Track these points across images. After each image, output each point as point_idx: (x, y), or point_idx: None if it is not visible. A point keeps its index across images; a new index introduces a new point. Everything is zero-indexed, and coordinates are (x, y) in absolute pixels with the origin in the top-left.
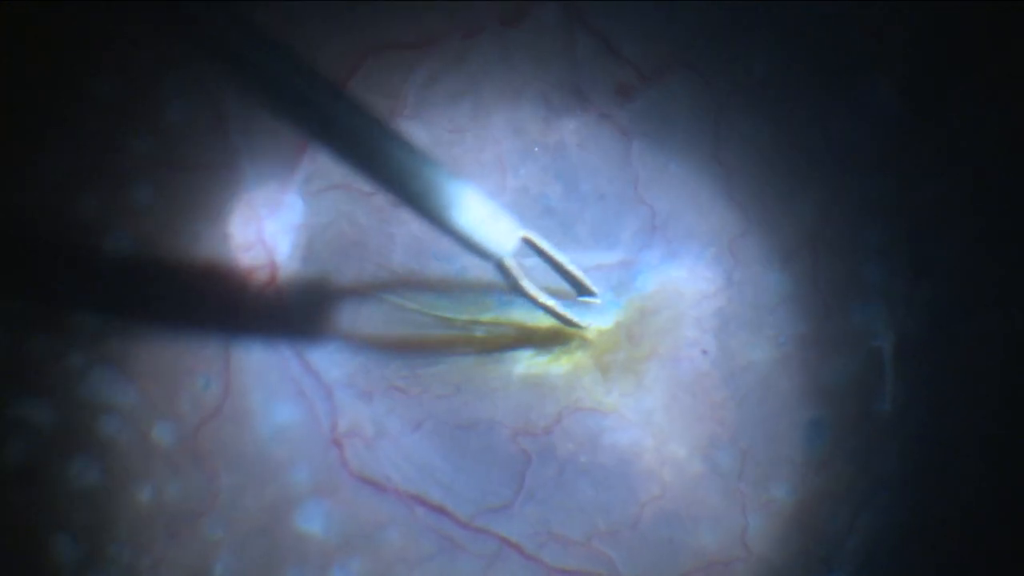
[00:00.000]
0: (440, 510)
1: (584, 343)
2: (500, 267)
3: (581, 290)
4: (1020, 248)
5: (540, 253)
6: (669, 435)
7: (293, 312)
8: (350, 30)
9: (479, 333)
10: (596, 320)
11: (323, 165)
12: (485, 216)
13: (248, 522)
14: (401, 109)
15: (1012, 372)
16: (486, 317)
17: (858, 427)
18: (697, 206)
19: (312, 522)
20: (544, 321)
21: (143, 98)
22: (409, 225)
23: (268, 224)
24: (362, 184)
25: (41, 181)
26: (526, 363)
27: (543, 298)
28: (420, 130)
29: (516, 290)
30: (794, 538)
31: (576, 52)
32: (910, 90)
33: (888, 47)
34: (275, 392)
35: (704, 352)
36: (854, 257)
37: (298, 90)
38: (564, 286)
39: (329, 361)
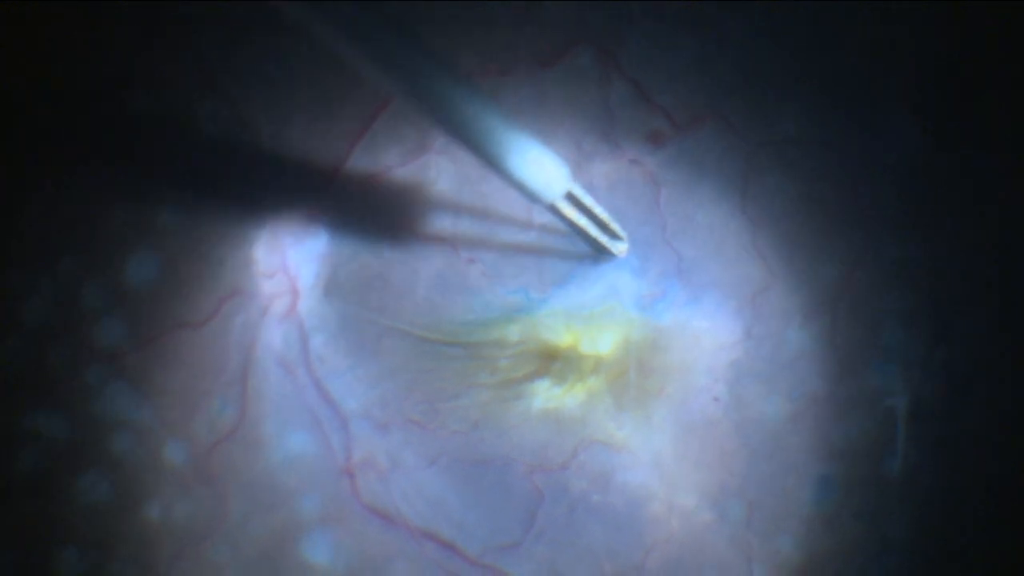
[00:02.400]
0: (449, 546)
1: (599, 364)
2: (552, 208)
3: (611, 235)
4: None
5: (579, 205)
6: (678, 479)
7: (313, 341)
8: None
9: (504, 362)
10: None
11: (349, 197)
12: (541, 161)
13: (254, 547)
14: (431, 143)
15: (1022, 438)
16: (513, 337)
17: (867, 487)
18: (722, 257)
19: (318, 551)
20: (566, 339)
21: (179, 115)
22: (433, 260)
23: (292, 252)
24: (385, 218)
25: (72, 194)
26: (544, 396)
27: (587, 225)
28: (449, 165)
29: (565, 222)
30: None
31: (610, 97)
32: (936, 158)
33: (919, 110)
34: (290, 419)
35: (716, 399)
36: (874, 319)
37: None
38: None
39: (347, 392)
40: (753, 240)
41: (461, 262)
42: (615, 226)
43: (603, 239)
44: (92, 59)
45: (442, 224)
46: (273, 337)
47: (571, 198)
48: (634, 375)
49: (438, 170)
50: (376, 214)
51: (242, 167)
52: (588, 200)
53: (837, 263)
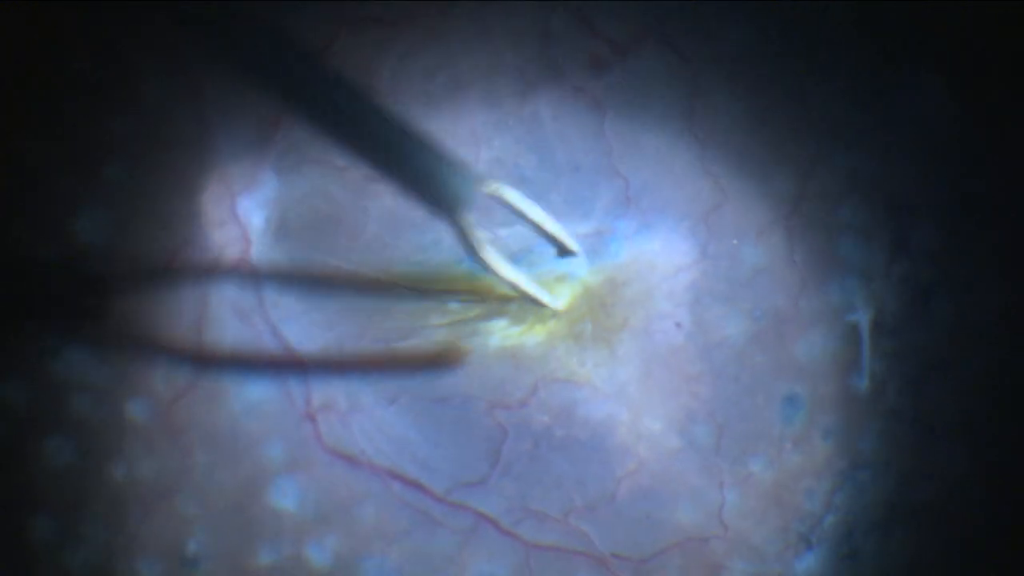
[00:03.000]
0: (416, 485)
1: (557, 312)
2: (457, 227)
3: (560, 249)
4: (999, 227)
5: (511, 209)
6: (644, 408)
7: (266, 287)
8: (326, 4)
9: (454, 304)
10: (565, 292)
11: (297, 140)
12: (440, 165)
13: (222, 498)
14: (377, 84)
15: (989, 349)
16: (462, 286)
17: (835, 403)
18: (672, 179)
19: (286, 498)
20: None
21: (120, 76)
22: (383, 199)
23: (241, 200)
24: (336, 159)
25: (17, 159)
26: (500, 335)
27: (507, 271)
28: (395, 105)
29: (475, 259)
30: (772, 514)
31: (551, 25)
32: (893, 60)
33: (868, 14)
34: (249, 368)
35: (678, 325)
36: (830, 232)
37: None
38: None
39: (303, 336)
40: (702, 159)
41: (410, 201)
42: (567, 238)
43: (535, 289)
44: (35, 21)
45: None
46: (227, 286)
47: (498, 202)
48: (595, 317)
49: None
50: (325, 155)
51: (188, 117)
52: (524, 202)
53: (789, 176)
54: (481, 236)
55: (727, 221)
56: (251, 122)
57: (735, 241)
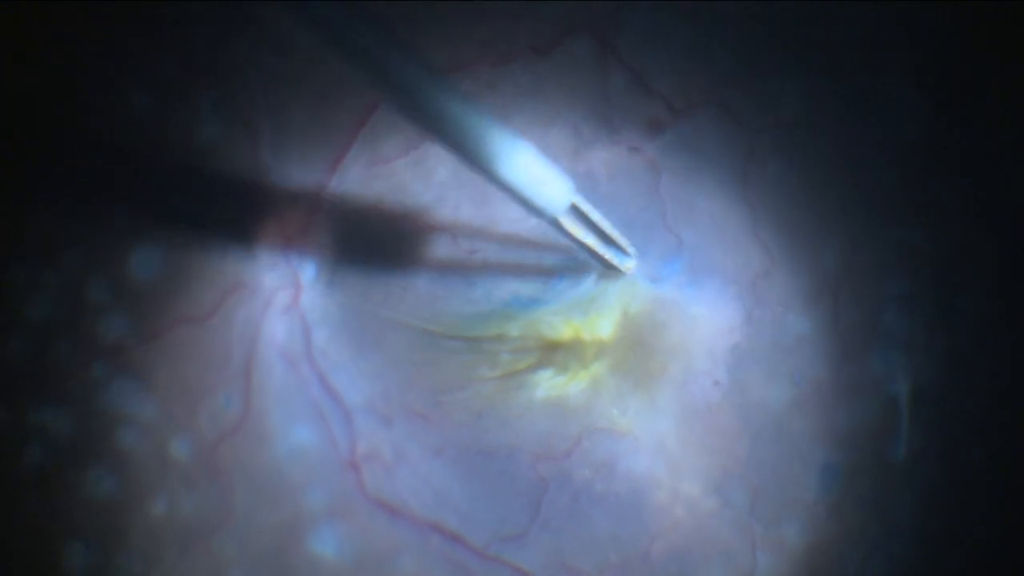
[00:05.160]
0: (455, 538)
1: (601, 350)
2: (554, 223)
3: (621, 254)
4: None
5: (585, 218)
6: (682, 465)
7: (316, 334)
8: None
9: (505, 355)
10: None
11: (352, 186)
12: (542, 175)
13: (261, 541)
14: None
15: None
16: (513, 331)
17: (871, 473)
18: (723, 242)
19: (325, 544)
20: (567, 331)
21: (179, 111)
22: (435, 249)
23: (295, 244)
24: (386, 207)
25: (74, 189)
26: (546, 385)
27: (591, 241)
28: (448, 154)
29: (570, 239)
30: None
31: (608, 85)
32: (940, 141)
33: (922, 91)
34: (294, 413)
35: (716, 383)
36: (875, 303)
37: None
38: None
39: (350, 385)
40: (753, 225)
41: (462, 253)
42: (623, 241)
43: (610, 255)
44: (91, 55)
45: (442, 214)
46: (276, 331)
47: (576, 212)
48: (636, 353)
49: (437, 159)
50: (377, 204)
51: (243, 160)
52: (595, 214)
53: (838, 248)
54: (573, 226)
55: (775, 289)
56: (306, 167)
57: (781, 308)
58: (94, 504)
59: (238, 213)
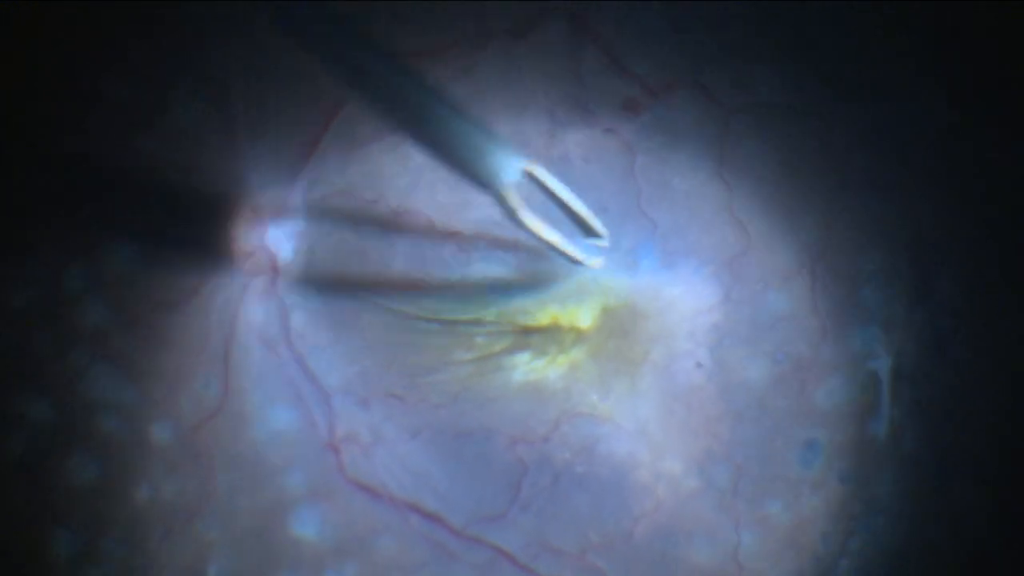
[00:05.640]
0: (434, 518)
1: (580, 338)
2: (499, 198)
3: (588, 232)
4: (1018, 274)
5: (544, 189)
6: (664, 447)
7: (293, 318)
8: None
9: (480, 339)
10: (586, 314)
11: (327, 172)
12: (486, 144)
13: (243, 524)
14: None
15: (1008, 398)
16: (489, 316)
17: (853, 448)
18: (699, 222)
19: (306, 526)
20: (543, 318)
21: (153, 100)
22: (411, 233)
23: (270, 229)
24: (364, 191)
25: (47, 176)
26: (524, 368)
27: (545, 232)
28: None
29: (515, 221)
30: (787, 557)
31: (583, 66)
32: (915, 117)
33: (900, 65)
34: (273, 396)
35: (699, 365)
36: (853, 280)
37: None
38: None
39: (328, 367)
40: (729, 204)
41: (438, 234)
42: (594, 222)
43: (574, 248)
44: (66, 46)
45: (418, 197)
46: (254, 314)
47: (533, 182)
48: (617, 343)
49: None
50: (353, 188)
51: (218, 144)
52: (556, 185)
53: (814, 224)
54: (519, 202)
55: (752, 267)
56: (281, 152)
57: (759, 286)
58: (77, 491)
59: (214, 198)
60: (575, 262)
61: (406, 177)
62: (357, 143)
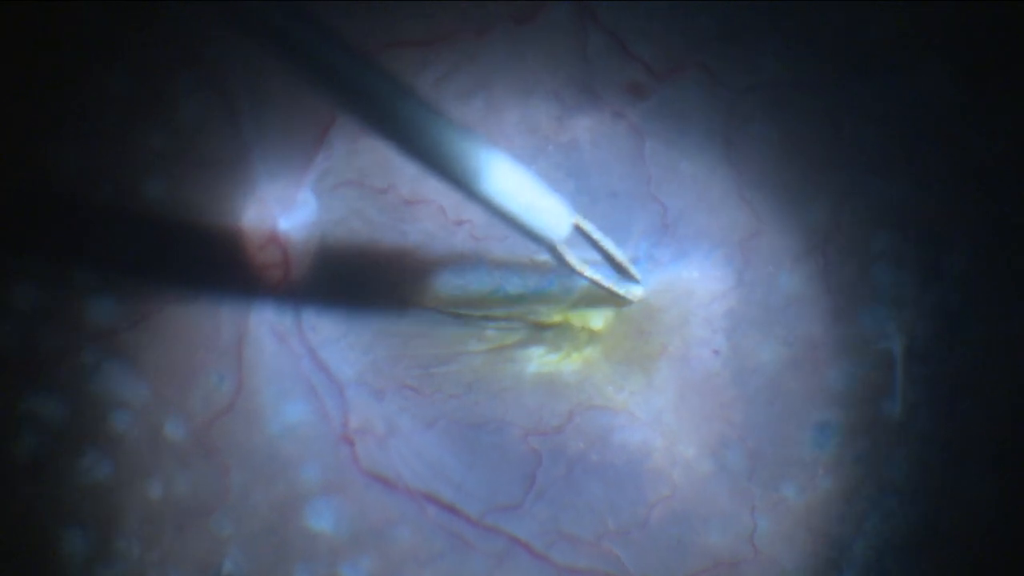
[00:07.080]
0: (451, 508)
1: (594, 338)
2: (553, 252)
3: (625, 276)
4: None
5: (590, 240)
6: (679, 435)
7: (305, 310)
8: (361, 26)
9: (491, 331)
10: (600, 317)
11: (336, 162)
12: (539, 200)
13: (257, 519)
14: None
15: (1020, 375)
16: (499, 313)
17: (867, 429)
18: (709, 206)
19: (322, 519)
20: (555, 316)
21: (158, 94)
22: (422, 223)
23: (281, 221)
24: (375, 181)
25: (55, 176)
26: (538, 362)
27: (592, 274)
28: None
29: (572, 272)
30: (802, 539)
31: (588, 50)
32: (923, 97)
33: (903, 44)
34: (287, 389)
35: (715, 352)
36: (864, 261)
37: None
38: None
39: (341, 359)
40: (738, 186)
41: (449, 223)
42: (631, 267)
43: (614, 283)
44: (72, 38)
45: (427, 186)
46: (266, 307)
47: (580, 234)
48: (633, 343)
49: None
50: (363, 177)
51: (225, 138)
52: (598, 236)
53: (824, 205)
54: (569, 253)
55: (763, 249)
56: (290, 144)
57: (771, 268)
58: (90, 489)
59: (222, 192)
60: (618, 298)
61: (414, 166)
62: (365, 132)
